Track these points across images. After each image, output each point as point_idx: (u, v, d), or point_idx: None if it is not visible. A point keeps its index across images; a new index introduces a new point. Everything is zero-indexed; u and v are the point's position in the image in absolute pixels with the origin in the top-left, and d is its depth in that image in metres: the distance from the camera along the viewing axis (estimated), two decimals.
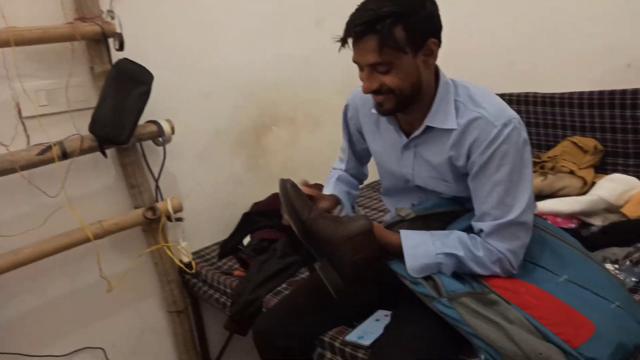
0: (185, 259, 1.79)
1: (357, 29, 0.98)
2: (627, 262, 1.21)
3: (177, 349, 1.92)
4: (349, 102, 1.34)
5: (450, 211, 1.20)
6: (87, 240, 1.54)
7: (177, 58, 1.83)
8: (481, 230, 1.08)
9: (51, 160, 1.46)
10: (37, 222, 1.52)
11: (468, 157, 1.07)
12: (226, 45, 1.97)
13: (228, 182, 2.05)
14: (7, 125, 1.46)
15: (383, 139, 1.25)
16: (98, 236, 1.57)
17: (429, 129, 1.12)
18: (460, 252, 1.06)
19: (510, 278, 1.08)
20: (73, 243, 1.53)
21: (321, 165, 1.87)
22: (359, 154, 1.43)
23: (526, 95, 2.16)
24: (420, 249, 1.08)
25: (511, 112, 1.05)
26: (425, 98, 1.09)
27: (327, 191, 1.36)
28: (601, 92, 1.93)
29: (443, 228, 1.17)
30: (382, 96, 1.06)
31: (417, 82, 1.05)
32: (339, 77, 2.31)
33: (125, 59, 1.56)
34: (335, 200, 1.29)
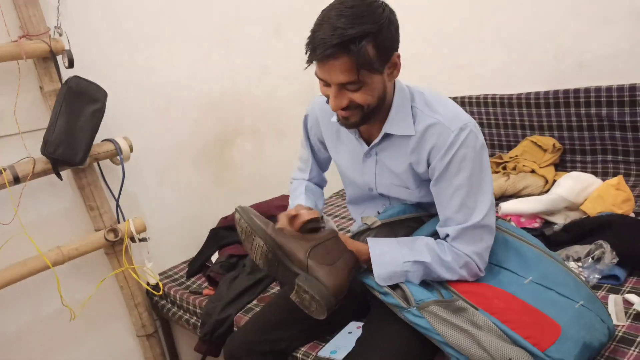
0: (153, 281, 1.73)
1: (328, 52, 0.94)
2: (589, 260, 1.23)
3: None
4: (308, 112, 1.33)
5: (415, 217, 1.21)
6: (46, 267, 1.48)
7: (131, 73, 1.78)
8: (447, 235, 1.08)
9: (2, 186, 1.39)
10: None
11: (428, 163, 1.08)
12: (182, 58, 1.94)
13: (193, 198, 2.01)
14: None
15: (344, 148, 1.25)
16: (58, 262, 1.50)
17: (387, 136, 1.12)
18: (428, 259, 1.06)
19: (477, 282, 1.08)
20: (31, 272, 1.46)
21: (288, 176, 1.85)
22: (320, 162, 1.42)
23: (485, 97, 2.20)
24: (387, 256, 1.08)
25: (466, 116, 1.06)
26: (385, 107, 1.09)
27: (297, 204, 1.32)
28: (556, 92, 1.99)
29: (409, 234, 1.18)
30: (349, 111, 1.04)
31: (383, 95, 1.05)
32: (300, 86, 2.31)
33: (76, 77, 1.50)
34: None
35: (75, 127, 1.48)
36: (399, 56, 1.03)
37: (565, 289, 1.04)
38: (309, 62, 1.00)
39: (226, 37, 2.07)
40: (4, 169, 1.40)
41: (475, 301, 1.02)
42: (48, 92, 1.52)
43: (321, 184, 1.47)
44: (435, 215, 1.15)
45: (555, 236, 1.41)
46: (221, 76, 2.07)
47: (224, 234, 1.90)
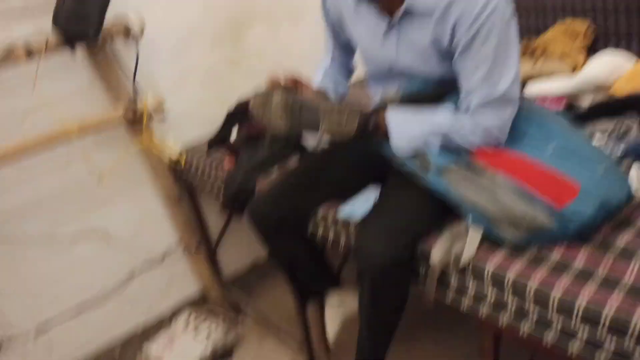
0: (174, 155, 1.78)
1: None
2: (614, 134, 1.20)
3: (178, 231, 1.97)
4: None
5: (436, 94, 1.17)
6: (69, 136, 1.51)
7: None
8: (468, 108, 1.06)
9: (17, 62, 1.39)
10: (16, 126, 1.49)
11: (452, 36, 1.04)
12: None
13: (208, 78, 1.98)
14: None
15: (364, 24, 1.20)
16: (81, 132, 1.54)
17: (410, 8, 1.06)
18: (446, 129, 1.06)
19: (497, 147, 1.08)
20: (56, 138, 1.50)
21: (304, 61, 1.79)
22: (343, 44, 1.36)
23: None
24: (405, 127, 1.08)
25: None
26: None
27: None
28: None
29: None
30: None
31: None
32: None
33: None
34: (322, 93, 1.26)
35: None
36: None
37: (586, 161, 1.02)
38: None
39: None
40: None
41: (494, 163, 1.02)
42: None
43: (347, 67, 1.42)
44: (456, 90, 1.12)
45: (579, 116, 1.37)
46: None
47: (240, 116, 1.89)
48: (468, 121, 1.05)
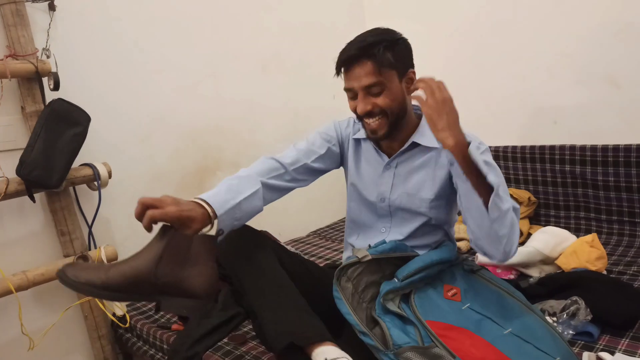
0: (119, 312, 1.66)
1: (352, 53, 1.13)
2: (564, 315, 1.24)
3: None
4: (334, 123, 1.39)
5: (404, 256, 1.22)
6: (8, 292, 1.41)
7: (114, 99, 1.76)
8: None
9: None
10: None
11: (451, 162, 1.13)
12: (167, 88, 1.93)
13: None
14: None
15: (365, 162, 1.34)
16: (22, 288, 1.44)
17: (413, 146, 1.25)
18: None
19: (457, 327, 1.08)
20: None
21: (268, 212, 1.83)
22: (313, 167, 1.31)
23: None
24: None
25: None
26: (408, 121, 1.24)
27: (203, 195, 1.10)
28: (532, 147, 2.06)
29: (395, 272, 1.18)
30: (377, 121, 1.18)
31: (403, 103, 1.19)
32: (284, 122, 2.32)
33: (60, 99, 1.48)
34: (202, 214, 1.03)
35: (54, 149, 1.45)
36: (414, 73, 1.20)
37: (543, 344, 1.05)
38: (337, 73, 1.18)
39: (213, 70, 2.08)
40: None
41: (453, 347, 1.02)
42: (29, 113, 1.50)
43: (285, 186, 1.27)
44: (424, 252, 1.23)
45: (531, 289, 1.42)
46: (205, 108, 2.06)
47: None
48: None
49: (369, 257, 1.17)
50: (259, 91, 2.25)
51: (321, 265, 1.99)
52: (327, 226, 2.57)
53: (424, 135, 1.23)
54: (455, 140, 1.03)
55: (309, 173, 1.32)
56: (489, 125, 2.26)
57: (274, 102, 2.28)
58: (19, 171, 1.42)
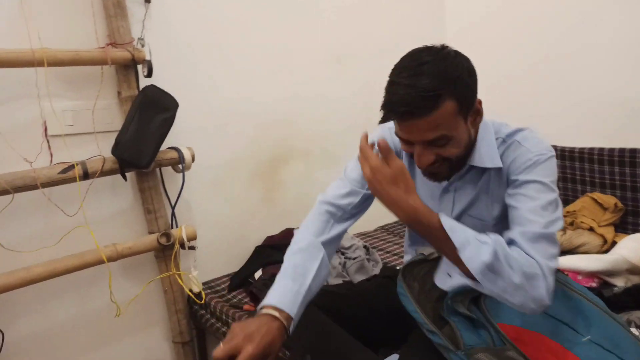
0: (196, 289, 1.76)
1: (404, 109, 0.91)
2: None
3: None
4: (383, 131, 1.26)
5: None
6: (100, 262, 1.53)
7: (199, 88, 1.85)
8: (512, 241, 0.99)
9: (72, 180, 1.47)
10: (52, 241, 1.52)
11: (507, 182, 1.07)
12: (246, 79, 1.99)
13: (242, 214, 2.04)
14: (33, 143, 1.48)
15: (420, 180, 1.18)
16: (111, 259, 1.55)
17: (471, 168, 1.11)
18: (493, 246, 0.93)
19: (532, 331, 1.04)
20: (86, 264, 1.51)
21: None
22: (368, 195, 1.22)
23: None
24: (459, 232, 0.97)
25: (550, 147, 1.05)
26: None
27: (271, 298, 1.00)
28: (622, 150, 1.93)
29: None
30: (437, 166, 1.01)
31: (469, 144, 1.04)
32: (355, 113, 2.33)
33: (152, 86, 1.58)
34: (277, 328, 0.94)
35: (145, 132, 1.55)
36: (480, 102, 1.02)
37: (626, 354, 0.98)
38: (384, 120, 0.96)
39: (287, 62, 2.12)
40: (77, 164, 1.47)
41: (528, 352, 0.98)
42: (125, 98, 1.61)
43: (353, 214, 1.22)
44: None
45: (616, 298, 1.35)
46: (279, 98, 2.11)
47: (269, 252, 1.91)
48: (516, 249, 0.96)
49: (436, 255, 1.15)
50: (332, 82, 2.27)
51: (384, 261, 2.00)
52: (395, 222, 2.56)
53: (482, 157, 1.08)
54: (404, 215, 0.94)
55: (368, 202, 1.23)
56: (574, 126, 2.15)
57: (345, 92, 2.30)
58: (114, 151, 1.53)
